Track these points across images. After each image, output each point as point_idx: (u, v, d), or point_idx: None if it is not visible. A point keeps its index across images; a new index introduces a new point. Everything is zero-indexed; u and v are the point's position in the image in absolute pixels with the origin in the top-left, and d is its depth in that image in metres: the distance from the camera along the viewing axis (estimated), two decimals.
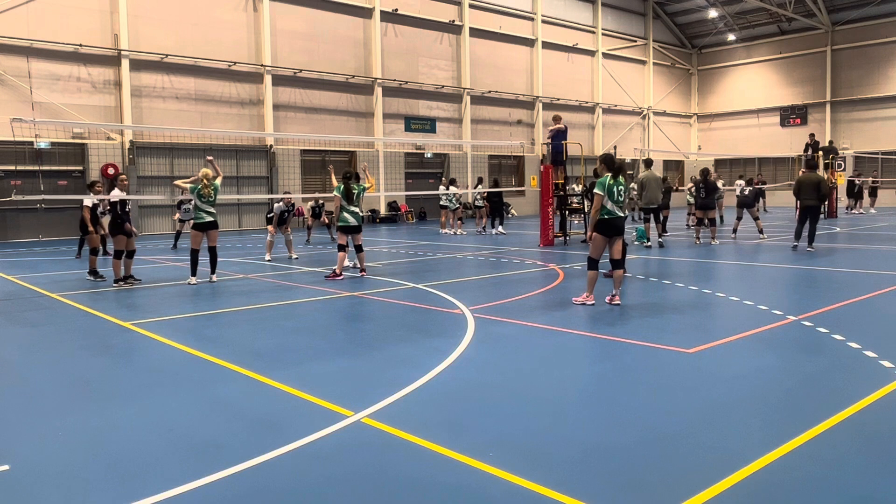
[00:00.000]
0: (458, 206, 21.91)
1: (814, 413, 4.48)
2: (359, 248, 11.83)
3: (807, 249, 14.05)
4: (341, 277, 11.31)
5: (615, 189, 8.46)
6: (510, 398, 4.98)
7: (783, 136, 38.44)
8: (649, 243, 15.78)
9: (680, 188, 21.77)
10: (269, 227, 14.86)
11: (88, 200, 11.35)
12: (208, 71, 24.15)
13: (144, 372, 5.93)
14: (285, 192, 16.38)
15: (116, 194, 11.09)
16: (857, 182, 29.34)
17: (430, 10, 29.96)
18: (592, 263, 8.58)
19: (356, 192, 11.61)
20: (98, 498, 3.49)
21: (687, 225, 22.22)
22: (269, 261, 14.20)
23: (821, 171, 25.54)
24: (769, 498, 3.37)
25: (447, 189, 21.90)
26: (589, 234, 8.78)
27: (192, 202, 11.29)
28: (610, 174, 8.52)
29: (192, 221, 11.62)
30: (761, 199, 31.27)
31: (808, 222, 14.18)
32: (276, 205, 15.00)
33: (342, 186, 11.56)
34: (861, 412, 4.50)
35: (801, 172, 15.38)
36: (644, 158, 17.56)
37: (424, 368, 5.65)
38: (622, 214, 8.53)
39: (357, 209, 11.62)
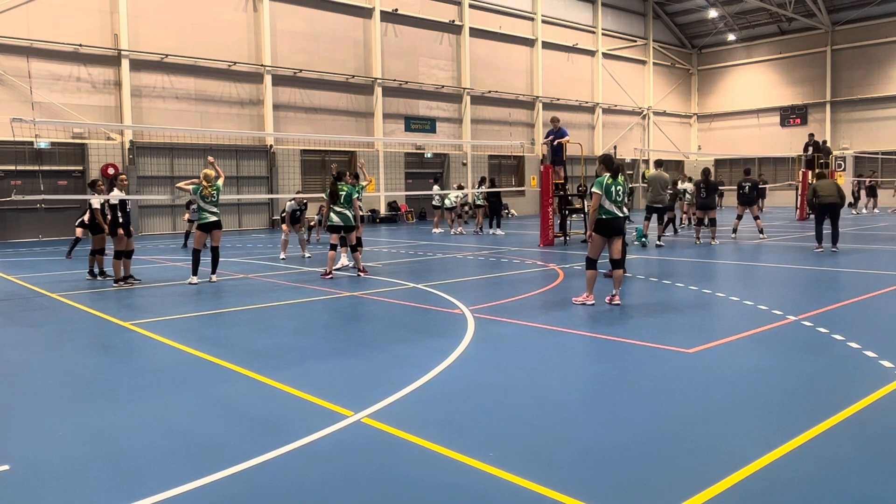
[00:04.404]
0: (442, 205, 22.21)
1: (814, 413, 4.48)
2: (353, 248, 11.87)
3: (831, 250, 13.99)
4: (330, 276, 11.35)
5: (613, 189, 8.46)
6: (510, 398, 4.98)
7: (783, 136, 38.45)
8: (646, 242, 15.81)
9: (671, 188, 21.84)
10: (283, 227, 14.91)
11: (96, 202, 11.37)
12: (208, 71, 24.15)
13: (144, 372, 5.93)
14: (297, 192, 16.39)
15: (116, 194, 11.10)
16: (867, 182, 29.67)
17: (430, 10, 29.96)
18: (591, 263, 8.59)
19: (344, 192, 11.62)
20: (98, 498, 3.49)
21: (681, 224, 22.23)
22: (283, 259, 14.24)
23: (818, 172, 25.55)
24: (769, 498, 3.37)
25: (457, 189, 22.30)
26: (588, 233, 8.79)
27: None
28: (608, 174, 8.53)
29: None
30: (760, 199, 31.33)
31: (831, 222, 14.10)
32: (287, 203, 15.06)
33: (329, 190, 11.75)
34: (861, 412, 4.50)
35: (813, 179, 15.39)
36: (655, 159, 17.60)
37: (424, 368, 5.65)
38: (621, 215, 8.53)
39: (344, 209, 11.58)
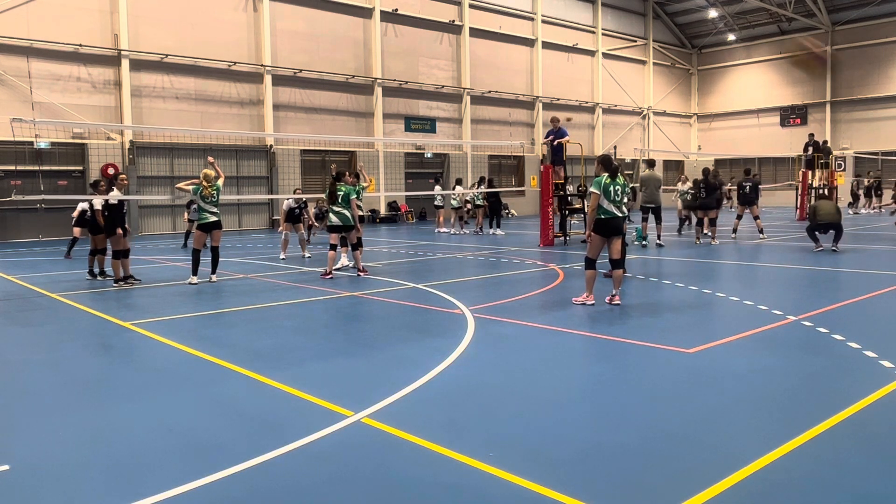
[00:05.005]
0: (444, 205, 22.31)
1: (814, 413, 4.48)
2: (354, 247, 11.87)
3: (831, 249, 14.08)
4: (330, 276, 11.36)
5: (612, 189, 8.46)
6: (510, 398, 4.98)
7: (783, 136, 38.44)
8: (645, 243, 15.82)
9: (667, 188, 21.91)
10: (283, 226, 14.86)
11: (98, 202, 11.38)
12: (208, 71, 24.15)
13: (144, 372, 5.93)
14: (295, 190, 16.35)
15: (115, 195, 11.09)
16: (868, 182, 29.81)
17: (430, 10, 29.96)
18: (590, 263, 8.59)
19: (343, 192, 11.62)
20: (98, 498, 3.49)
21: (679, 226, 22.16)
22: (283, 259, 14.20)
23: (818, 172, 25.56)
24: (769, 498, 3.37)
25: (457, 185, 22.48)
26: (587, 233, 8.79)
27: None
28: (607, 174, 8.53)
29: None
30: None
31: (835, 230, 14.24)
32: (285, 202, 15.03)
33: (328, 190, 11.81)
34: (861, 412, 4.50)
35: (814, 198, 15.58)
36: (647, 159, 17.66)
37: (424, 368, 5.65)
38: (620, 214, 8.54)
39: (343, 209, 11.58)
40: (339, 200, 11.58)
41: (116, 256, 10.96)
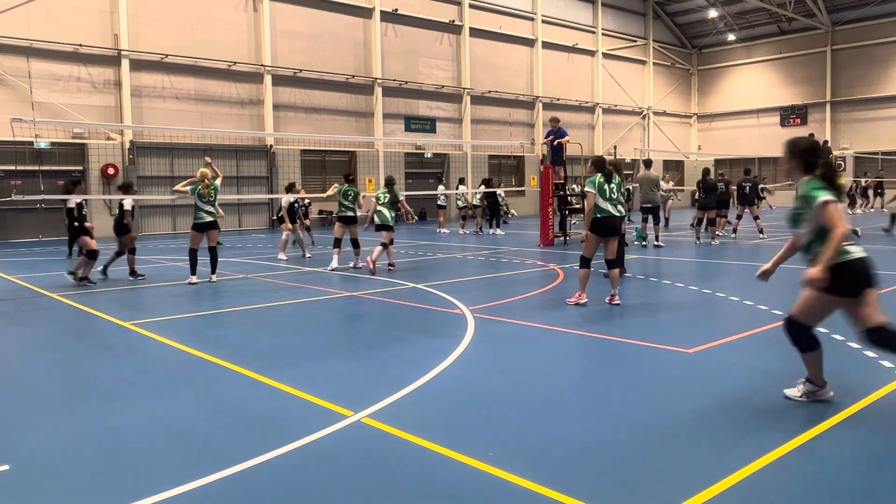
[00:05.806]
0: (447, 205, 22.41)
1: (814, 413, 4.49)
2: (384, 245, 12.33)
3: None
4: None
5: (607, 187, 8.48)
6: (510, 398, 4.98)
7: (783, 136, 38.10)
8: (645, 243, 15.82)
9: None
10: (286, 225, 14.79)
11: (128, 203, 11.51)
12: (208, 71, 24.14)
13: (144, 372, 5.93)
14: (290, 183, 16.32)
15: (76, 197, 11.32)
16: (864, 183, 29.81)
17: (430, 10, 29.96)
18: (584, 262, 8.60)
19: (389, 195, 12.65)
20: (98, 498, 3.50)
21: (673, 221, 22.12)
22: (283, 259, 14.16)
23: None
24: (769, 498, 3.37)
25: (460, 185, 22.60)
26: (584, 232, 8.81)
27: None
28: (600, 174, 8.56)
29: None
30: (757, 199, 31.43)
31: None
32: (283, 198, 15.00)
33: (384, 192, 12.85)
34: (861, 412, 4.51)
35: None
36: (644, 159, 17.68)
37: (424, 368, 5.65)
38: (617, 214, 8.54)
39: (385, 209, 12.47)
40: (387, 202, 12.45)
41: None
